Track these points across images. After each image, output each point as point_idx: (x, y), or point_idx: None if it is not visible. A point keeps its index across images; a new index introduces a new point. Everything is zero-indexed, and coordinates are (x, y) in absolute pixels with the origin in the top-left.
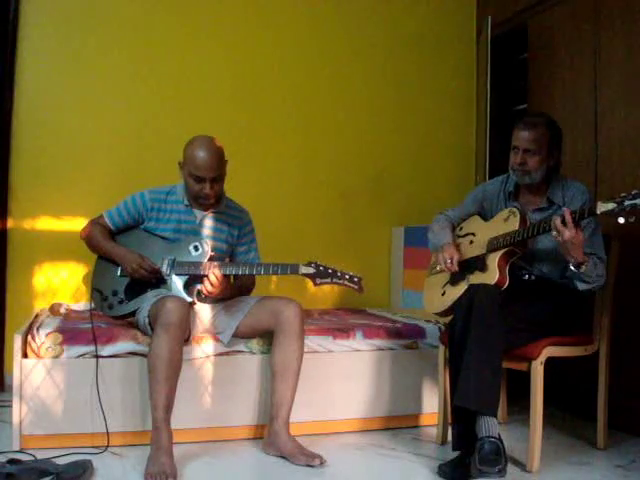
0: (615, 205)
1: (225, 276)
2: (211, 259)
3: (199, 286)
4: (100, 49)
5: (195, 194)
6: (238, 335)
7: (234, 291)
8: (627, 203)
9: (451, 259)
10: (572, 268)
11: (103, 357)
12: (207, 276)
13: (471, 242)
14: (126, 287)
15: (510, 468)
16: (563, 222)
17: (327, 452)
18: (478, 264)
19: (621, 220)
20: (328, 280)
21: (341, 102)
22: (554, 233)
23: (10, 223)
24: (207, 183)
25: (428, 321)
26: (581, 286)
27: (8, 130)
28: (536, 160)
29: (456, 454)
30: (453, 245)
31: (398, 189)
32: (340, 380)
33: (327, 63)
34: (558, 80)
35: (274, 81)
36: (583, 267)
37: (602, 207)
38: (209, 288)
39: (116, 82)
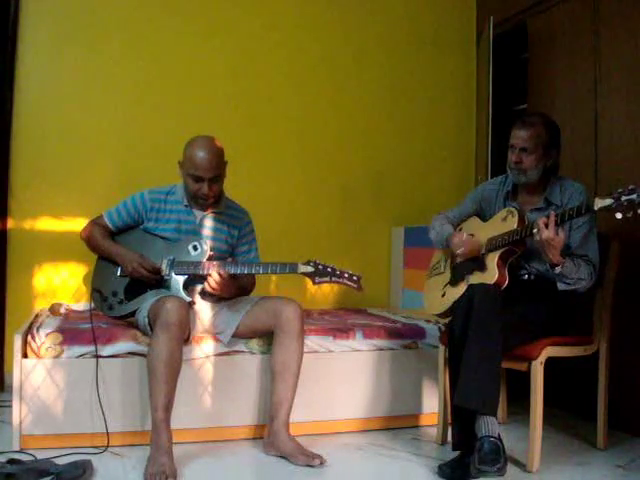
0: (612, 201)
1: (229, 274)
2: (210, 258)
3: (200, 286)
4: (100, 49)
5: (194, 194)
6: (238, 335)
7: (237, 290)
8: (624, 198)
9: (466, 237)
10: (548, 267)
11: (103, 357)
12: (210, 274)
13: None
14: (126, 287)
15: (510, 468)
16: (546, 222)
17: (327, 452)
18: (477, 264)
19: (618, 216)
20: (327, 279)
21: (341, 102)
22: (534, 231)
23: (10, 223)
24: (205, 183)
25: (428, 321)
26: (560, 286)
27: (8, 130)
28: (532, 159)
29: (456, 454)
30: (458, 231)
31: (398, 189)
32: (340, 380)
33: (327, 63)
34: (558, 80)
35: (275, 82)
36: (557, 268)
37: (599, 203)
38: (213, 285)
39: (116, 82)
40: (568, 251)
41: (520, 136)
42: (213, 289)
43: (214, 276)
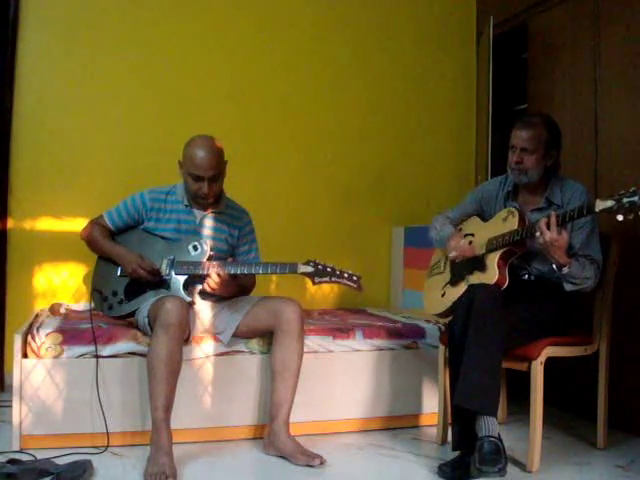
0: (614, 202)
1: (228, 274)
2: (210, 258)
3: (200, 286)
4: (100, 50)
5: (193, 193)
6: (238, 335)
7: (236, 290)
8: (625, 200)
9: (462, 242)
10: (555, 269)
11: (103, 357)
12: (209, 275)
13: (470, 243)
14: (126, 287)
15: (510, 468)
16: (548, 224)
17: (327, 452)
18: (477, 264)
19: (620, 217)
20: (327, 279)
21: (341, 101)
22: (537, 234)
23: (10, 223)
24: (205, 182)
25: (428, 321)
26: (567, 287)
27: (8, 130)
28: (533, 159)
29: (456, 454)
30: (458, 233)
31: (398, 189)
32: (340, 380)
33: (327, 63)
34: (558, 80)
35: (274, 82)
36: (565, 269)
37: (601, 205)
38: (213, 285)
39: (116, 82)
40: (571, 252)
41: (521, 136)
42: (213, 289)
43: (214, 276)
